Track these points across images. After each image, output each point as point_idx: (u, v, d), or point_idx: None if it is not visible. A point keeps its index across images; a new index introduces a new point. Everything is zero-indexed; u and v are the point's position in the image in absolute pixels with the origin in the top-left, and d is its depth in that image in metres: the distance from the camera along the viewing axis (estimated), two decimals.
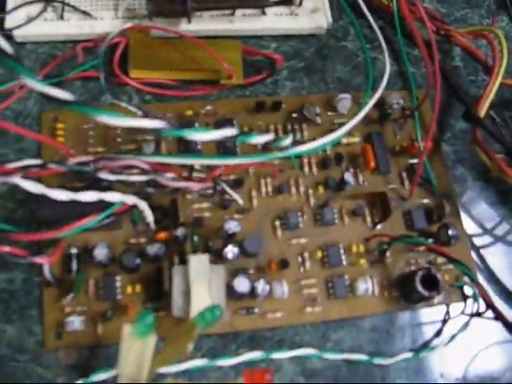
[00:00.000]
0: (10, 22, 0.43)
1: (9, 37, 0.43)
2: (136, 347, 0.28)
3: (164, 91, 0.42)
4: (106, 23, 0.43)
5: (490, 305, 0.37)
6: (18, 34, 0.43)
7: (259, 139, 0.30)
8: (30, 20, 0.42)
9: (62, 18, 0.43)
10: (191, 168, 0.37)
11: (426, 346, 0.40)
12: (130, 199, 0.35)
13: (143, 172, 0.35)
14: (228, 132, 0.29)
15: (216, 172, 0.35)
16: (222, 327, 0.38)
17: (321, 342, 0.39)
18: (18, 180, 0.33)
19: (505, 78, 0.43)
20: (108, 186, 0.36)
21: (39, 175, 0.35)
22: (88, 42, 0.43)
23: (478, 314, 0.40)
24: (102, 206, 0.35)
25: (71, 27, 0.43)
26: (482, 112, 0.41)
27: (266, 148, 0.39)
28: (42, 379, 0.36)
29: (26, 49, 0.44)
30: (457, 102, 0.46)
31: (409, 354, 0.39)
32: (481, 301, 0.39)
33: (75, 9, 0.43)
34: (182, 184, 0.34)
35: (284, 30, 0.46)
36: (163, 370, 0.35)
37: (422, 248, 0.41)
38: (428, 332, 0.40)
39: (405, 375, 0.39)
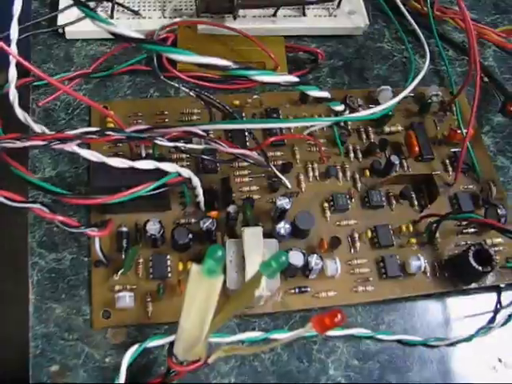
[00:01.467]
0: (61, 19, 0.45)
1: (60, 34, 0.45)
2: (202, 289, 0.28)
3: (210, 84, 0.43)
4: (154, 22, 0.45)
5: None
6: (69, 31, 0.45)
7: (317, 93, 0.31)
8: (80, 18, 0.44)
9: (111, 16, 0.45)
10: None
11: (481, 328, 0.39)
12: (186, 172, 0.36)
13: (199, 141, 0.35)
14: (290, 78, 0.29)
15: (269, 140, 0.36)
16: (273, 307, 0.37)
17: (374, 323, 0.38)
18: (76, 148, 0.34)
19: None
20: (163, 158, 0.36)
21: (96, 142, 0.35)
22: None
23: None
24: (156, 177, 0.35)
25: (121, 26, 0.44)
26: None
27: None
28: (90, 358, 0.35)
29: (76, 46, 0.46)
30: (492, 98, 0.47)
31: (464, 336, 0.38)
32: None
33: (125, 8, 0.45)
34: (238, 151, 0.35)
35: (323, 29, 0.48)
36: (217, 340, 0.34)
37: (470, 230, 0.41)
38: (483, 314, 0.39)
39: (461, 359, 0.38)
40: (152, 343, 0.33)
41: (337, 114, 0.36)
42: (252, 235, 0.36)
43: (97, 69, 0.44)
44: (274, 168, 0.39)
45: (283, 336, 0.36)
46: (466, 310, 0.40)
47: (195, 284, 0.28)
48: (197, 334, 0.30)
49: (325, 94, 0.32)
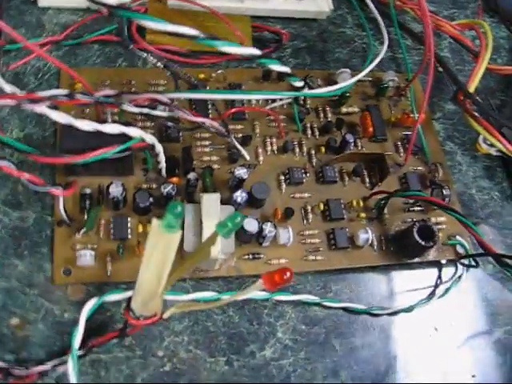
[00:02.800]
0: None
1: (33, 1, 0.46)
2: (161, 243, 0.29)
3: (177, 57, 0.45)
4: None
5: (486, 248, 0.39)
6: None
7: (278, 67, 0.33)
8: None
9: None
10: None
11: (421, 300, 0.41)
12: (150, 138, 0.37)
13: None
14: (253, 51, 0.31)
15: (231, 110, 0.38)
16: (227, 271, 0.39)
17: (322, 291, 0.40)
18: (45, 109, 0.35)
19: (490, 64, 0.47)
20: (129, 123, 0.38)
21: (65, 105, 0.37)
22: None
23: (470, 266, 0.42)
24: (121, 142, 0.37)
25: None
26: (472, 89, 0.45)
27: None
28: (49, 313, 0.36)
29: (48, 14, 0.46)
30: (445, 86, 0.50)
31: (404, 306, 0.41)
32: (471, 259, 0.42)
33: None
34: (200, 119, 0.36)
35: (289, 12, 0.50)
36: (172, 298, 0.36)
37: (417, 208, 0.44)
38: (424, 288, 0.42)
39: (401, 327, 0.41)
40: (110, 297, 0.35)
41: (296, 90, 0.38)
42: (210, 201, 0.37)
43: (67, 37, 0.45)
44: (234, 139, 0.40)
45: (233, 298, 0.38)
46: (409, 282, 0.42)
47: (155, 237, 0.30)
48: (154, 287, 0.32)
49: (285, 69, 0.34)
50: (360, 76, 0.42)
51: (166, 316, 0.35)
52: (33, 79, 0.43)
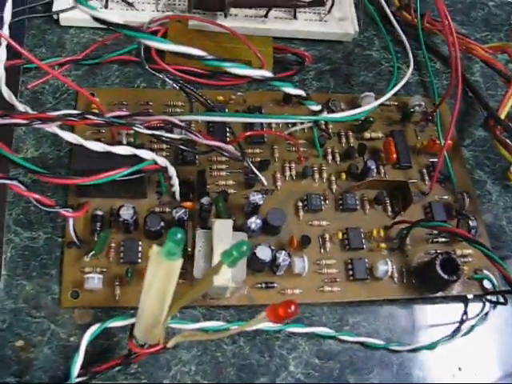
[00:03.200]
0: (57, 5, 0.46)
1: (55, 20, 0.46)
2: (161, 271, 0.28)
3: (197, 79, 0.44)
4: (147, 14, 0.46)
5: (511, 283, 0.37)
6: (63, 18, 0.46)
7: (291, 90, 0.32)
8: (75, 6, 0.45)
9: (106, 6, 0.46)
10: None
11: (444, 337, 0.39)
12: (162, 160, 0.36)
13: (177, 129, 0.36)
14: (264, 73, 0.30)
15: (246, 133, 0.37)
16: (239, 300, 0.38)
17: (338, 324, 0.39)
18: (56, 129, 0.34)
19: None
20: (142, 146, 0.37)
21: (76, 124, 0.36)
22: None
23: (498, 303, 0.40)
24: (134, 163, 0.36)
25: (114, 16, 0.45)
26: (503, 114, 0.43)
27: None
28: (55, 336, 0.36)
29: (69, 33, 0.46)
30: (476, 112, 0.48)
31: (425, 343, 0.39)
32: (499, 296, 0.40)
33: None
34: (213, 143, 0.35)
35: (313, 33, 0.49)
36: (178, 326, 0.35)
37: (441, 240, 0.42)
38: (447, 324, 0.40)
39: (422, 365, 0.38)
40: (113, 323, 0.34)
41: (314, 114, 0.36)
42: (222, 227, 0.36)
43: (87, 56, 0.44)
44: (250, 163, 0.39)
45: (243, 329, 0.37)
46: (432, 318, 0.40)
47: (155, 265, 0.29)
48: (156, 315, 0.31)
49: (299, 92, 0.33)
50: (383, 100, 0.41)
51: (170, 345, 0.33)
52: (50, 98, 0.43)
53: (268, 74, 0.30)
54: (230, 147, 0.37)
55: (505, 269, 0.37)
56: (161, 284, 0.30)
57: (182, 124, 0.35)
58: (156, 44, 0.28)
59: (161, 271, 0.29)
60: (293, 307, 0.28)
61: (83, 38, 0.46)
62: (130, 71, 0.45)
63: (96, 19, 0.29)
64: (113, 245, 0.38)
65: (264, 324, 0.35)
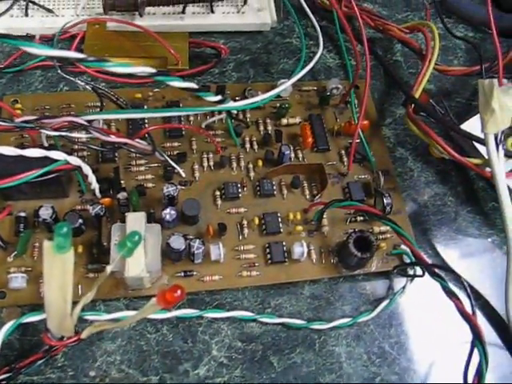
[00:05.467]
0: None
1: None
2: (56, 265, 0.30)
3: (116, 78, 0.44)
4: (67, 19, 0.47)
5: (418, 257, 0.38)
6: None
7: (180, 84, 0.33)
8: None
9: (26, 15, 0.47)
10: None
11: (364, 312, 0.40)
12: (74, 160, 0.37)
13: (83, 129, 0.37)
14: (146, 69, 0.31)
15: (152, 128, 0.38)
16: (160, 289, 0.38)
17: (260, 307, 0.40)
18: None
19: (438, 65, 0.46)
20: (55, 148, 0.38)
21: None
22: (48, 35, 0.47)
23: (415, 276, 0.41)
24: (48, 164, 0.37)
25: (34, 23, 0.47)
26: (417, 93, 0.43)
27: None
28: None
29: None
30: (397, 92, 0.49)
31: (346, 319, 0.39)
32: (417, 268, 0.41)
33: (39, 6, 0.47)
34: (119, 139, 0.37)
35: (231, 25, 0.49)
36: (92, 317, 0.36)
37: (359, 218, 0.42)
38: (367, 299, 0.41)
39: (344, 342, 0.39)
40: (28, 319, 0.35)
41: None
42: (134, 219, 0.37)
43: (11, 64, 0.46)
44: (165, 155, 0.40)
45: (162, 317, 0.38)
46: (353, 296, 0.41)
47: (49, 259, 0.30)
48: (61, 307, 0.32)
49: (189, 85, 0.33)
50: (291, 81, 0.42)
51: (83, 336, 0.35)
52: None
53: (149, 69, 0.31)
54: (136, 142, 0.38)
55: (412, 243, 0.38)
56: (58, 277, 0.31)
57: (87, 123, 0.37)
58: (30, 49, 0.29)
59: (55, 265, 0.31)
60: (179, 291, 0.29)
61: (7, 47, 0.47)
62: (53, 76, 0.47)
63: None
64: (37, 244, 0.39)
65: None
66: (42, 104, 0.44)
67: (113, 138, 0.37)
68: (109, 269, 0.32)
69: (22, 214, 0.40)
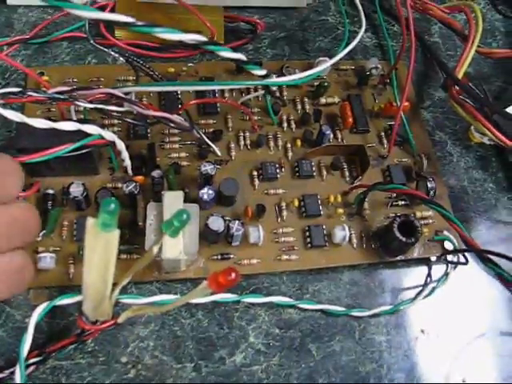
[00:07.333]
0: None
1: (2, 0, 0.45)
2: (99, 244, 0.28)
3: (148, 52, 0.43)
4: None
5: (469, 244, 0.36)
6: None
7: (229, 54, 0.31)
8: None
9: None
10: None
11: (404, 300, 0.39)
12: (109, 135, 0.35)
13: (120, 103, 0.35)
14: (197, 37, 0.29)
15: (194, 101, 0.36)
16: (195, 272, 0.37)
17: (298, 293, 0.38)
18: None
19: (480, 47, 0.44)
20: (88, 121, 0.36)
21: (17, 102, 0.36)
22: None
23: (458, 263, 0.39)
24: (81, 139, 0.35)
25: None
26: (460, 74, 0.42)
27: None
28: (10, 318, 0.35)
29: (17, 12, 0.45)
30: (436, 74, 0.47)
31: (387, 307, 0.38)
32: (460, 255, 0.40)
33: None
34: (158, 114, 0.35)
35: (266, 1, 0.48)
36: (129, 300, 0.34)
37: (401, 203, 0.41)
38: (408, 286, 0.39)
39: (384, 330, 0.38)
40: (62, 301, 0.33)
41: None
42: (172, 199, 0.35)
43: (36, 35, 0.44)
44: (201, 133, 0.38)
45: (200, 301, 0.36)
46: (394, 282, 0.40)
47: (92, 238, 0.28)
48: (100, 290, 0.30)
49: (238, 56, 0.32)
50: (333, 61, 0.40)
51: (120, 320, 0.33)
52: (0, 79, 0.42)
53: (201, 38, 0.29)
54: (176, 117, 0.36)
55: (462, 229, 0.36)
56: (100, 258, 0.29)
57: (125, 96, 0.35)
58: (78, 12, 0.27)
59: (99, 244, 0.29)
60: (233, 274, 0.28)
61: (32, 17, 0.45)
62: (81, 48, 0.44)
63: None
64: (66, 223, 0.37)
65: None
66: (70, 77, 0.42)
67: (152, 112, 0.35)
68: (155, 249, 0.30)
69: (50, 192, 0.38)
